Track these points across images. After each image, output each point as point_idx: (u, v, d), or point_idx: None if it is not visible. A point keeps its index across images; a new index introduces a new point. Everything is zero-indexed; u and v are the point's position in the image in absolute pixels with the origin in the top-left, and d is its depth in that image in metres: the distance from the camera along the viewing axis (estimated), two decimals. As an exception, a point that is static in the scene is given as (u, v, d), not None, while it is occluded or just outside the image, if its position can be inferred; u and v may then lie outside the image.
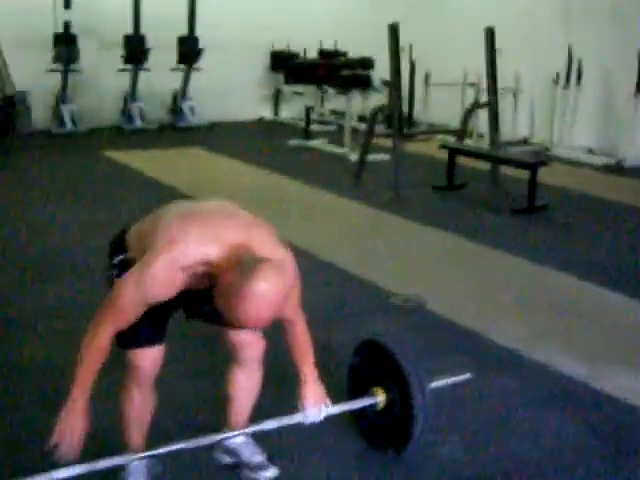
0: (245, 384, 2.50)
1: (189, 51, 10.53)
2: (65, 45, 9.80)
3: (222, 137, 10.32)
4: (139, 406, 2.34)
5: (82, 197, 6.58)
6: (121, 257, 2.24)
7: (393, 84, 7.18)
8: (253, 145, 9.86)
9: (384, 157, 8.04)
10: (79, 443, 2.05)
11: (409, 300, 4.22)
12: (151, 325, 2.18)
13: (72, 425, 2.04)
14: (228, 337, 2.40)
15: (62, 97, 10.17)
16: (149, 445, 2.38)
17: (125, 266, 2.15)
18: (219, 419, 2.60)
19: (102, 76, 10.54)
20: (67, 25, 9.78)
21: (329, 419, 2.52)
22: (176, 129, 10.65)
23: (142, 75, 10.36)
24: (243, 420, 2.55)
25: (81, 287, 4.22)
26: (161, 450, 2.33)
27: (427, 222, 6.01)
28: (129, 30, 10.10)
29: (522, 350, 3.64)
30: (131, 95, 10.49)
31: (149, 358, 2.24)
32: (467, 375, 2.81)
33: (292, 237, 5.34)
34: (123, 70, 10.23)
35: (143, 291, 2.00)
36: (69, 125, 10.13)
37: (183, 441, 2.33)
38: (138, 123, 10.46)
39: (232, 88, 11.12)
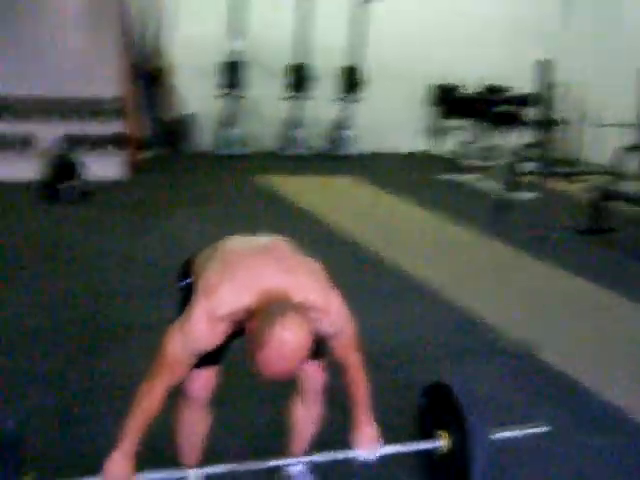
0: (304, 415, 2.49)
1: (351, 82, 10.77)
2: (232, 72, 10.30)
3: (375, 167, 10.42)
4: (190, 426, 2.38)
5: (222, 216, 6.84)
6: (187, 281, 2.32)
7: (542, 122, 6.97)
8: (404, 177, 9.88)
9: (534, 195, 7.81)
10: None
11: (519, 344, 4.06)
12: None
13: (118, 472, 2.07)
14: (300, 384, 2.42)
15: (227, 121, 10.66)
16: (205, 463, 2.43)
17: (190, 290, 2.21)
18: (283, 445, 2.61)
19: (266, 103, 10.95)
20: (235, 53, 10.26)
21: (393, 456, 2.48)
22: (333, 157, 10.86)
23: (304, 103, 10.68)
24: (301, 449, 2.54)
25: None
26: (216, 469, 2.36)
27: (562, 265, 5.75)
28: (294, 59, 10.47)
29: (628, 409, 3.40)
30: (292, 122, 10.83)
31: (199, 380, 2.28)
32: (543, 428, 2.66)
33: (416, 270, 5.37)
34: (286, 98, 10.62)
35: (189, 346, 2.04)
36: (231, 148, 10.59)
37: (237, 463, 2.37)
38: (297, 149, 10.77)
39: (391, 119, 11.20)
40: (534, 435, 2.64)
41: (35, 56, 7.90)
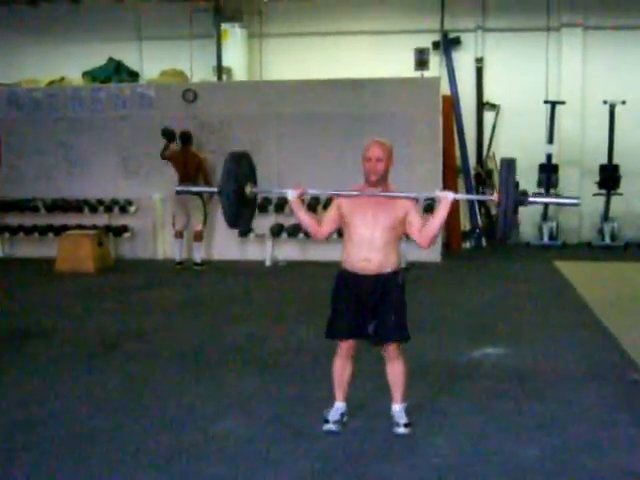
0: (391, 371, 4.19)
1: (660, 178, 11.61)
2: (547, 172, 11.85)
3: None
4: (338, 370, 4.19)
5: (498, 287, 8.47)
6: None
7: None
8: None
9: None
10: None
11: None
12: (344, 324, 4.09)
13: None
14: (382, 349, 4.17)
15: (544, 216, 12.16)
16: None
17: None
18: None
19: (581, 199, 12.23)
20: (549, 156, 11.83)
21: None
22: (639, 246, 11.72)
23: (616, 199, 11.81)
24: (397, 391, 4.20)
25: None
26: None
27: None
28: (604, 160, 11.71)
29: None
30: (604, 216, 11.95)
31: (344, 346, 4.13)
32: (575, 200, 4.10)
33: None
34: (598, 194, 11.83)
35: (333, 208, 4.19)
36: (546, 239, 12.05)
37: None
38: (606, 240, 11.84)
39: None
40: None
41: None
